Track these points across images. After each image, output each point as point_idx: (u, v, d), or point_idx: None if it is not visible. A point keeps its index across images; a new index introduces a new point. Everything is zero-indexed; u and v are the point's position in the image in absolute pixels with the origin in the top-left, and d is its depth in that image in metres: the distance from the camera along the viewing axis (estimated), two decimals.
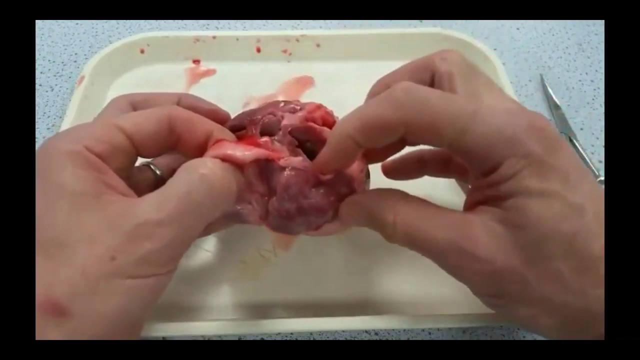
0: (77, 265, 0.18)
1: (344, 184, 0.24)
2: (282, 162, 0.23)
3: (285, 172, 0.23)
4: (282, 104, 0.26)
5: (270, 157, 0.23)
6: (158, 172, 0.26)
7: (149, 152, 0.23)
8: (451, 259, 0.21)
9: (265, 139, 0.24)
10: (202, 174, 0.20)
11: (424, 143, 0.21)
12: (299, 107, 0.25)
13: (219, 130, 0.24)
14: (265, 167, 0.24)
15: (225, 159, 0.22)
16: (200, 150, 0.23)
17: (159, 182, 0.26)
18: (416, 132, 0.20)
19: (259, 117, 0.25)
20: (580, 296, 0.19)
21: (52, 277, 0.18)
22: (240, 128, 0.25)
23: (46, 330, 0.17)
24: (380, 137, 0.21)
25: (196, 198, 0.20)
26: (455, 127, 0.20)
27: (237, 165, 0.22)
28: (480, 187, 0.21)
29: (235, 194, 0.22)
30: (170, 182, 0.20)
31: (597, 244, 0.19)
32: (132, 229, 0.19)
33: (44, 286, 0.18)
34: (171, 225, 0.19)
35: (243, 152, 0.22)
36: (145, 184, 0.25)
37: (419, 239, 0.21)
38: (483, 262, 0.20)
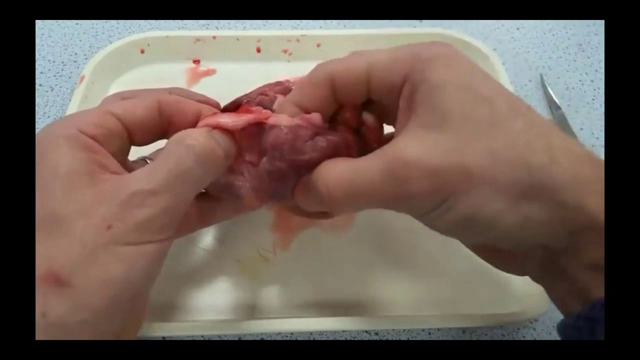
0: (75, 236, 0.18)
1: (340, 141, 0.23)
2: (270, 121, 0.23)
3: (274, 130, 0.23)
4: (275, 86, 0.26)
5: (258, 119, 0.23)
6: None
7: (142, 137, 0.24)
8: (392, 187, 0.20)
9: (258, 107, 0.24)
10: (188, 145, 0.21)
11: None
12: (291, 87, 0.25)
13: (208, 110, 0.25)
14: (256, 135, 0.23)
15: (215, 127, 0.23)
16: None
17: None
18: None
19: (253, 97, 0.25)
20: (520, 162, 0.19)
21: (51, 251, 0.18)
22: (234, 110, 0.25)
23: (48, 301, 0.18)
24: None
25: (184, 166, 0.20)
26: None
27: (228, 133, 0.23)
28: (401, 119, 0.21)
29: (222, 159, 0.22)
30: (160, 155, 0.21)
31: (517, 121, 0.19)
32: (126, 199, 0.19)
33: (45, 260, 0.18)
34: (163, 193, 0.20)
35: (233, 119, 0.23)
36: None
37: (357, 190, 0.21)
38: (420, 170, 0.19)
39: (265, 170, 0.23)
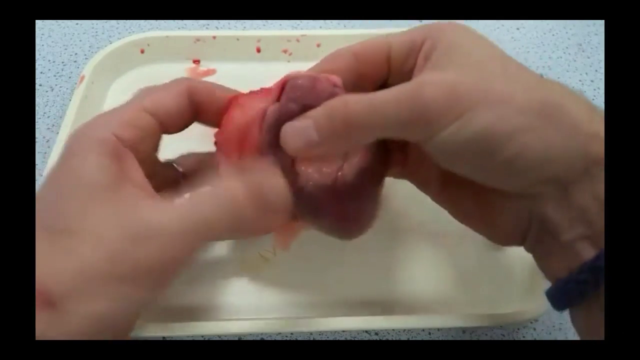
0: (79, 258, 0.18)
1: None
2: (291, 74, 0.23)
3: (294, 77, 0.23)
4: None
5: (287, 77, 0.23)
6: (180, 169, 0.27)
7: (173, 126, 0.23)
8: (409, 104, 0.19)
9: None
10: (223, 204, 0.20)
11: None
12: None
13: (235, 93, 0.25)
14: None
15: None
16: (221, 116, 0.24)
17: (179, 179, 0.26)
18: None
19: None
20: (536, 86, 0.20)
21: (50, 267, 0.18)
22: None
23: (38, 317, 0.17)
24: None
25: (212, 225, 0.20)
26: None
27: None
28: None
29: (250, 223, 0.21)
30: (192, 198, 0.20)
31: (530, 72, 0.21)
32: (139, 233, 0.18)
33: (44, 273, 0.18)
34: (177, 240, 0.19)
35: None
36: (166, 179, 0.26)
37: (375, 109, 0.20)
38: (437, 86, 0.19)
39: (276, 111, 0.22)
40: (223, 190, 0.20)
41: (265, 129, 0.22)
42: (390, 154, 0.25)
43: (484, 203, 0.23)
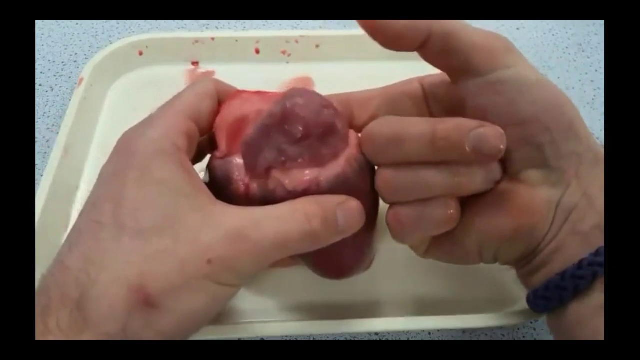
0: (176, 258, 0.18)
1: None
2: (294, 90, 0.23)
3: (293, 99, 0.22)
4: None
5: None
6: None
7: (206, 129, 0.24)
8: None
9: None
10: (307, 230, 0.20)
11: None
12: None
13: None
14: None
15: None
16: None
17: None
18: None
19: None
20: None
21: (145, 265, 0.18)
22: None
23: (132, 317, 0.18)
24: None
25: (291, 245, 0.20)
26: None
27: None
28: None
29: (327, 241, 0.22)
30: (278, 215, 0.20)
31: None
32: (231, 236, 0.19)
33: (139, 273, 0.18)
34: (266, 248, 0.20)
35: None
36: None
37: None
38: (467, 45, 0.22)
39: (269, 111, 0.22)
40: (302, 208, 0.21)
41: (256, 126, 0.22)
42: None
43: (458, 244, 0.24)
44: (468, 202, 0.23)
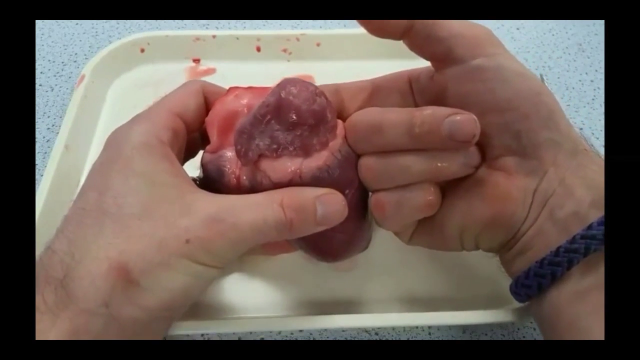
0: (154, 239, 0.19)
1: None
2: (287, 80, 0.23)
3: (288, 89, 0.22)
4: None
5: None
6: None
7: (194, 126, 0.25)
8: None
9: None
10: (281, 219, 0.21)
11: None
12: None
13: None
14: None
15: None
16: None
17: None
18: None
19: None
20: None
21: (125, 245, 0.19)
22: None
23: (114, 293, 0.18)
24: None
25: (267, 232, 0.21)
26: None
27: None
28: None
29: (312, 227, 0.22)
30: (255, 202, 0.21)
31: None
32: (209, 221, 0.20)
33: (118, 252, 0.19)
34: (237, 232, 0.20)
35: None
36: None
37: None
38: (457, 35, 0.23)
39: (263, 102, 0.22)
40: (278, 198, 0.21)
41: (249, 115, 0.23)
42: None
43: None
44: (449, 189, 0.24)
